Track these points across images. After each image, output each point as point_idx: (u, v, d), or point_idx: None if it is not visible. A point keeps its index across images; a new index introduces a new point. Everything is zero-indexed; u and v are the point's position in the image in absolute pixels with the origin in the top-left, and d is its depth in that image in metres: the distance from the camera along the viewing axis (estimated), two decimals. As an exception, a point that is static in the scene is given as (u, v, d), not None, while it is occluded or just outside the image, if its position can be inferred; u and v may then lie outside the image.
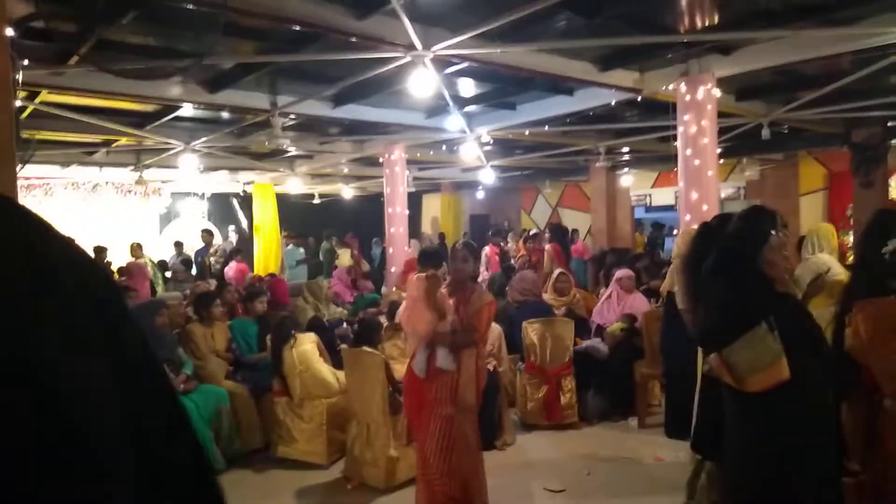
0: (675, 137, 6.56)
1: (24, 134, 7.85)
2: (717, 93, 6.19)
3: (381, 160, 10.37)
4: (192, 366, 5.12)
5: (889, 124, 9.14)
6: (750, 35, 5.53)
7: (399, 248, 9.79)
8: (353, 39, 4.78)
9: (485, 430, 5.06)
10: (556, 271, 6.96)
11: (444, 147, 10.77)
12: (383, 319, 5.90)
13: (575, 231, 13.24)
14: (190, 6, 3.38)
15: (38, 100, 6.63)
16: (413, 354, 3.64)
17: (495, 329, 5.41)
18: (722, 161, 7.49)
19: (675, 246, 6.07)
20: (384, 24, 4.74)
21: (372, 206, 15.08)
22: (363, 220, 15.47)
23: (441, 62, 5.59)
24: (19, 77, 2.63)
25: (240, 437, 5.05)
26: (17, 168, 6.35)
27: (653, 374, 5.53)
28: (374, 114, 8.00)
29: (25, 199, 13.25)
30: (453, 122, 8.03)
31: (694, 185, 6.20)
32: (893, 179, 10.12)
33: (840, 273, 4.97)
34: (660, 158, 11.75)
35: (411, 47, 4.91)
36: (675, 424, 5.09)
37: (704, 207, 6.12)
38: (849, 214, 10.25)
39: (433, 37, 5.01)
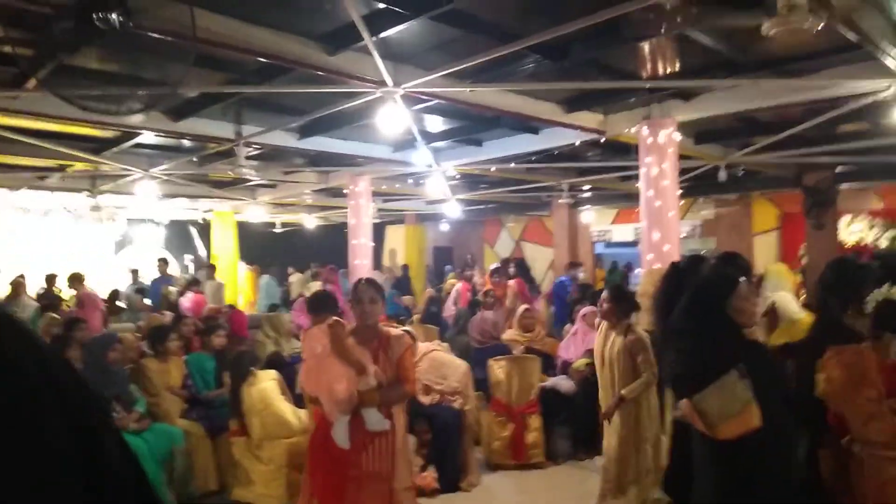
0: (637, 178, 6.72)
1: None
2: (677, 136, 6.38)
3: (345, 191, 10.31)
4: (146, 403, 4.90)
5: (838, 170, 9.57)
6: (709, 83, 5.75)
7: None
8: (323, 74, 4.77)
9: (450, 470, 5.00)
10: (521, 307, 6.98)
11: (409, 180, 10.80)
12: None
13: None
14: (156, 36, 3.30)
15: (-10, 123, 6.39)
16: (318, 421, 3.08)
17: (462, 366, 5.37)
18: (680, 201, 7.69)
19: (640, 285, 6.18)
20: (355, 59, 4.75)
21: (335, 236, 14.95)
22: (326, 250, 15.29)
23: (410, 98, 5.62)
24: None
25: (194, 479, 4.84)
26: None
27: (617, 412, 5.53)
28: (340, 146, 7.98)
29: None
30: (420, 157, 8.07)
31: (656, 225, 6.33)
32: (843, 221, 10.54)
33: (797, 312, 5.13)
34: (620, 196, 12.03)
35: (382, 83, 4.92)
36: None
37: (666, 247, 6.24)
38: (801, 254, 10.60)
39: (404, 74, 5.04)
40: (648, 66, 5.45)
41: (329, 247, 15.21)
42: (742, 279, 2.81)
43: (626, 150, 7.89)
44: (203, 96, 6.07)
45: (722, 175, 8.23)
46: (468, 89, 5.42)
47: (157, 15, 3.00)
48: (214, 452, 5.02)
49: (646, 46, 5.07)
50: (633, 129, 6.58)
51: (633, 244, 13.65)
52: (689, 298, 2.85)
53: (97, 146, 8.08)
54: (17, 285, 7.68)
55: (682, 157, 7.22)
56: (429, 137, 7.88)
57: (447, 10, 4.04)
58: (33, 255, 12.83)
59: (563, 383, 5.88)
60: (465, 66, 4.72)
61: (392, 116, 5.40)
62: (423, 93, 5.29)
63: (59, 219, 13.77)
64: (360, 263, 9.62)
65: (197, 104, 6.33)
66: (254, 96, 6.08)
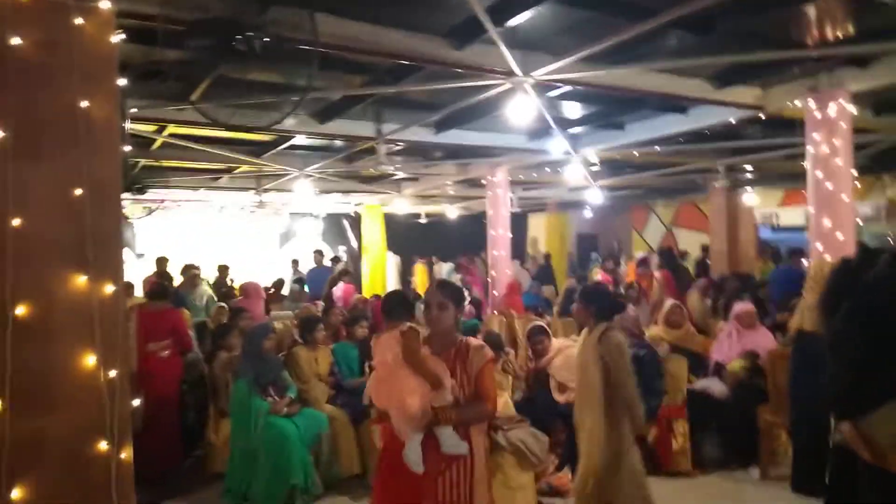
0: (803, 156, 6.00)
1: (157, 162, 8.60)
2: (851, 109, 5.58)
3: (483, 182, 10.35)
4: (297, 389, 5.26)
5: None
6: (889, 46, 4.94)
7: (502, 270, 9.68)
8: (452, 69, 4.78)
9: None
10: (669, 302, 6.52)
11: (548, 168, 10.57)
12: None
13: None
14: (294, 45, 3.48)
15: (165, 132, 7.21)
16: (386, 441, 2.72)
17: (599, 364, 5.15)
18: (855, 178, 6.72)
19: (808, 279, 5.50)
20: (483, 52, 4.69)
21: (477, 225, 15.11)
22: (468, 240, 15.51)
23: (544, 86, 5.47)
24: (127, 125, 2.81)
25: (339, 462, 5.12)
26: (159, 192, 6.89)
27: (778, 421, 5.01)
28: (476, 138, 8.00)
29: (161, 220, 14.53)
30: (557, 145, 7.85)
31: (826, 211, 5.60)
32: None
33: None
34: (787, 176, 10.85)
35: (511, 74, 4.83)
36: (803, 477, 4.57)
37: (839, 236, 5.52)
38: None
39: (534, 62, 4.91)
40: (813, 31, 4.82)
41: (471, 236, 15.39)
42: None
43: (792, 126, 7.06)
44: (345, 98, 6.37)
45: (911, 149, 7.10)
46: (603, 72, 5.15)
47: (287, 25, 3.15)
48: (357, 438, 5.27)
49: (810, 9, 4.48)
50: (798, 103, 5.87)
51: (805, 229, 12.26)
52: (860, 301, 2.45)
53: (258, 149, 8.84)
54: (193, 276, 8.62)
55: (858, 131, 6.32)
56: (566, 124, 7.64)
57: (576, -7, 3.85)
58: (210, 247, 14.38)
59: (715, 386, 5.42)
60: (598, 48, 4.48)
61: (523, 106, 5.28)
62: (554, 79, 5.11)
63: (231, 214, 15.30)
64: (499, 254, 9.61)
65: (340, 106, 6.66)
66: (390, 95, 6.27)
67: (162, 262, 9.58)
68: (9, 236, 2.26)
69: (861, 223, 12.34)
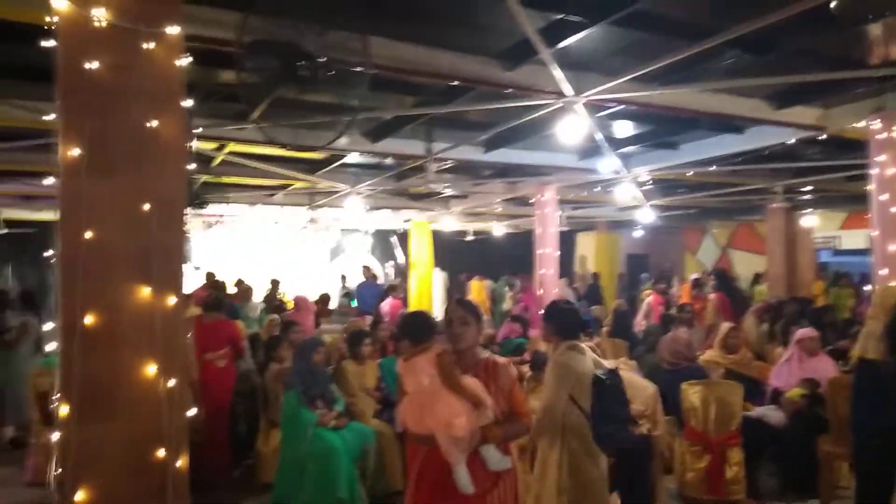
0: (867, 178, 5.78)
1: (215, 178, 8.92)
2: (920, 129, 5.36)
3: (532, 201, 10.32)
4: (344, 402, 5.32)
5: None
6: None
7: (549, 289, 9.59)
8: (503, 89, 4.82)
9: (636, 498, 4.71)
10: (725, 325, 6.34)
11: (597, 187, 10.47)
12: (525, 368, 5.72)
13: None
14: (349, 68, 3.58)
15: (225, 150, 7.48)
16: (423, 466, 2.64)
17: (650, 388, 5.04)
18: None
19: (872, 305, 5.26)
20: (534, 72, 4.72)
21: (523, 243, 15.05)
22: (514, 257, 15.45)
23: (595, 106, 5.45)
24: (193, 144, 2.94)
25: (385, 477, 5.14)
26: (217, 207, 7.12)
27: (839, 452, 4.78)
28: (525, 157, 8.01)
29: (217, 234, 15.02)
30: (607, 164, 7.77)
31: (892, 235, 5.37)
32: None
33: None
34: (849, 198, 10.44)
35: (561, 94, 4.83)
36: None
37: (906, 261, 5.27)
38: None
39: (586, 82, 4.90)
40: (880, 50, 4.66)
41: (517, 254, 15.33)
42: None
43: (854, 147, 6.82)
44: (396, 118, 6.49)
45: None
46: (657, 92, 5.09)
47: (343, 48, 3.26)
48: (402, 453, 5.28)
49: (875, 28, 4.34)
50: (862, 124, 5.67)
51: (868, 252, 11.76)
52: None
53: (311, 167, 9.07)
54: (246, 290, 8.88)
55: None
56: (617, 143, 7.57)
57: (629, 14, 3.83)
58: (263, 261, 14.76)
59: (772, 414, 5.22)
60: (650, 69, 4.44)
61: (573, 125, 5.27)
62: (605, 99, 5.08)
63: (285, 230, 15.68)
64: (546, 273, 9.54)
65: (392, 126, 6.78)
66: (441, 115, 6.35)
67: (210, 276, 9.88)
68: (81, 249, 2.39)
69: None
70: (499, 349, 7.57)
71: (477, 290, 14.32)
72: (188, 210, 6.64)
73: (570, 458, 3.46)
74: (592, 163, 8.28)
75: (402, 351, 3.05)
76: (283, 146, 3.38)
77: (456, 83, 4.84)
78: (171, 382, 2.47)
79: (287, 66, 2.79)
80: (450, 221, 14.17)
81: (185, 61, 2.75)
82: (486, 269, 14.94)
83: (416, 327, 2.88)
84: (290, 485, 4.81)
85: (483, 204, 12.52)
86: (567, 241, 16.33)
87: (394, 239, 17.60)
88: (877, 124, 5.48)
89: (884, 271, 5.41)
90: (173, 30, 2.67)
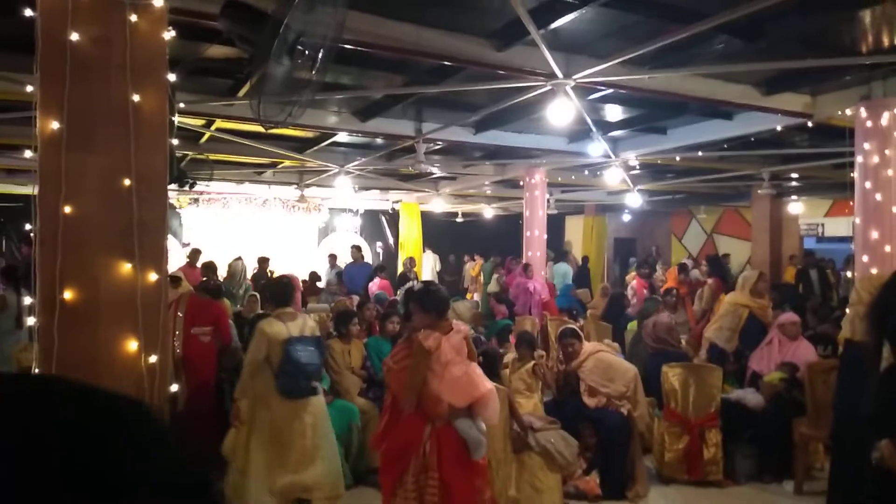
0: (852, 165, 5.83)
1: (203, 155, 8.84)
2: (906, 118, 5.40)
3: (521, 183, 10.32)
4: (329, 381, 5.35)
5: None
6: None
7: (537, 272, 9.63)
8: (494, 70, 4.79)
9: (615, 477, 4.80)
10: (754, 272, 6.44)
11: (586, 171, 10.49)
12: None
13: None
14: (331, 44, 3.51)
15: (213, 127, 7.40)
16: (440, 443, 3.04)
17: (630, 369, 5.10)
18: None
19: (855, 292, 5.34)
20: (525, 54, 4.69)
21: (513, 226, 15.07)
22: (504, 239, 15.49)
23: (585, 88, 5.44)
24: (176, 119, 2.90)
25: (368, 455, 5.18)
26: (205, 185, 7.10)
27: (815, 435, 4.88)
28: (515, 139, 7.99)
29: (206, 212, 14.91)
30: (596, 148, 7.78)
31: (874, 223, 5.43)
32: None
33: None
34: (835, 185, 10.52)
35: (552, 76, 4.81)
36: (840, 494, 4.44)
37: (887, 248, 5.34)
38: None
39: (576, 64, 4.88)
40: (867, 37, 4.67)
41: (507, 236, 15.37)
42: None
43: (841, 135, 6.86)
44: (386, 97, 6.44)
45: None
46: (646, 76, 5.09)
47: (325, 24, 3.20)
48: (387, 432, 5.33)
49: (865, 15, 4.35)
50: (849, 111, 5.70)
51: (851, 239, 11.86)
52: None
53: (300, 145, 9.01)
54: (233, 267, 8.84)
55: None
56: (607, 127, 7.57)
57: (620, -5, 3.82)
58: (252, 239, 14.69)
59: (751, 397, 5.31)
60: (641, 52, 4.43)
61: (563, 108, 5.26)
62: (595, 82, 5.07)
63: (274, 208, 15.59)
64: (534, 255, 9.58)
65: (381, 105, 6.74)
66: (431, 95, 6.31)
67: (196, 253, 9.76)
68: (60, 223, 2.38)
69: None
70: (484, 330, 7.64)
71: (477, 268, 14.48)
72: (175, 186, 6.58)
73: None
74: (582, 146, 8.29)
75: (417, 324, 3.17)
76: (264, 125, 3.31)
77: (446, 63, 4.81)
78: (153, 358, 2.47)
79: (270, 38, 2.75)
80: (439, 203, 14.15)
81: (169, 34, 2.71)
82: (476, 250, 14.97)
83: (440, 301, 3.20)
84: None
85: (472, 186, 12.50)
86: (556, 225, 16.37)
87: (383, 219, 17.56)
88: (863, 112, 5.51)
89: (865, 258, 5.48)
90: (158, 1, 2.63)
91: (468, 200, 15.50)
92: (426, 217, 15.25)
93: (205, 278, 6.84)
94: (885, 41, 4.68)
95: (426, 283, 4.60)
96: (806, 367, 5.21)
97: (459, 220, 17.57)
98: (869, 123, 5.47)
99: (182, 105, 4.79)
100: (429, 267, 15.15)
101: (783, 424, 5.06)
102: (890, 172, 5.40)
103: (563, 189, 13.09)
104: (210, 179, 6.59)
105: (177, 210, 14.70)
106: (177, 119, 2.93)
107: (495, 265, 12.24)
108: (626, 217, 16.37)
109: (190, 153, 8.95)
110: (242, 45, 3.14)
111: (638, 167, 9.40)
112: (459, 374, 2.99)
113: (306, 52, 2.86)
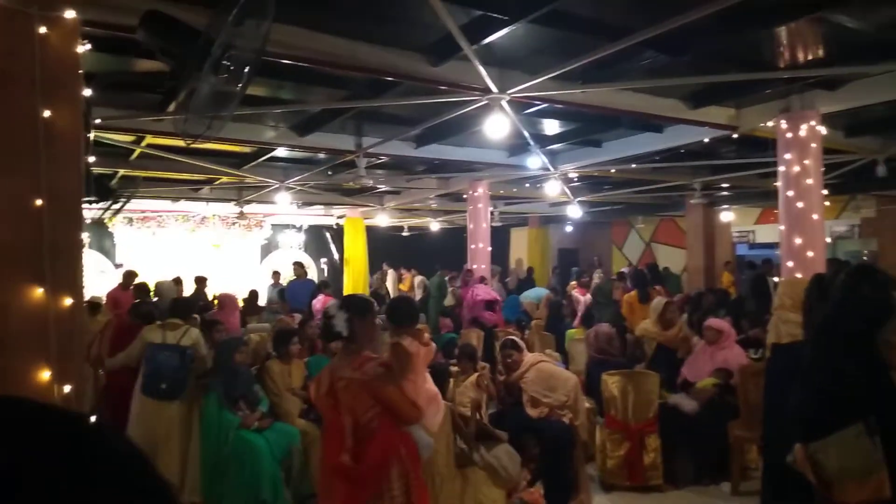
0: (776, 175, 6.11)
1: (134, 173, 8.54)
2: (822, 130, 5.70)
3: (464, 196, 10.39)
4: (268, 403, 5.20)
5: None
6: (859, 69, 5.06)
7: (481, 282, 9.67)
8: (430, 85, 4.81)
9: (559, 486, 4.82)
10: (661, 301, 6.44)
11: (527, 184, 10.66)
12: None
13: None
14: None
15: (144, 143, 7.16)
16: (410, 451, 3.06)
17: (571, 378, 5.16)
18: (826, 197, 6.84)
19: (778, 296, 5.57)
20: (460, 68, 4.73)
21: (458, 239, 15.14)
22: (450, 253, 15.53)
23: (521, 103, 5.52)
24: (92, 135, 2.78)
25: (309, 478, 5.05)
26: (119, 205, 6.85)
27: (749, 436, 5.04)
28: (456, 153, 8.05)
29: (141, 231, 14.39)
30: (535, 161, 7.92)
31: (797, 230, 5.70)
32: None
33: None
34: (763, 194, 11.03)
35: (487, 91, 4.86)
36: (773, 493, 4.59)
37: (809, 254, 5.60)
38: None
39: (510, 79, 4.95)
40: (785, 53, 4.92)
41: (453, 249, 15.41)
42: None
43: (765, 146, 7.20)
44: (325, 112, 6.38)
45: (880, 170, 7.27)
46: (579, 91, 5.21)
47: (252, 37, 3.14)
48: (330, 453, 5.21)
49: (782, 32, 4.58)
50: (771, 123, 5.98)
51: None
52: (825, 323, 2.46)
53: (239, 161, 8.81)
54: (160, 287, 8.46)
55: (831, 151, 6.45)
56: (545, 140, 7.71)
57: (548, 12, 3.89)
58: (191, 258, 14.26)
59: (686, 402, 5.44)
60: (572, 67, 4.53)
61: (500, 122, 5.32)
62: (529, 97, 5.16)
63: (213, 226, 15.18)
64: (478, 268, 9.62)
65: (320, 120, 6.66)
66: (371, 109, 6.29)
67: (130, 275, 9.34)
68: (-36, 246, 2.23)
69: (834, 241, 12.59)
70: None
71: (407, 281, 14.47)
72: (103, 205, 6.28)
73: None
74: (521, 159, 8.41)
75: (392, 335, 3.34)
76: (185, 139, 3.19)
77: (379, 77, 4.80)
78: (67, 388, 2.33)
79: (197, 53, 2.67)
80: (384, 217, 14.09)
81: (83, 48, 2.60)
82: (423, 264, 14.94)
83: (414, 312, 3.41)
84: (213, 489, 4.68)
85: (417, 199, 12.51)
86: (502, 237, 16.54)
87: (328, 235, 17.35)
88: (783, 124, 5.79)
89: (790, 263, 5.73)
90: (70, 14, 2.52)
91: (414, 214, 15.49)
92: (372, 231, 15.15)
93: (137, 300, 6.55)
94: (801, 57, 4.94)
95: (400, 298, 4.82)
96: (738, 370, 5.39)
97: (406, 233, 17.53)
98: (789, 135, 5.74)
99: (99, 120, 4.60)
100: (391, 283, 15.02)
101: (719, 428, 5.21)
102: (810, 181, 5.68)
103: (507, 201, 13.25)
104: (132, 197, 6.33)
105: (108, 230, 14.14)
106: (93, 135, 2.79)
107: (444, 278, 12.22)
108: (569, 228, 16.71)
109: (121, 171, 8.62)
110: (164, 59, 3.04)
111: (577, 179, 9.61)
112: (422, 380, 3.20)
113: (232, 66, 2.79)
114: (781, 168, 5.87)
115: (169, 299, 7.56)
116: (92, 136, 2.83)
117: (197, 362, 5.01)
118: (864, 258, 11.93)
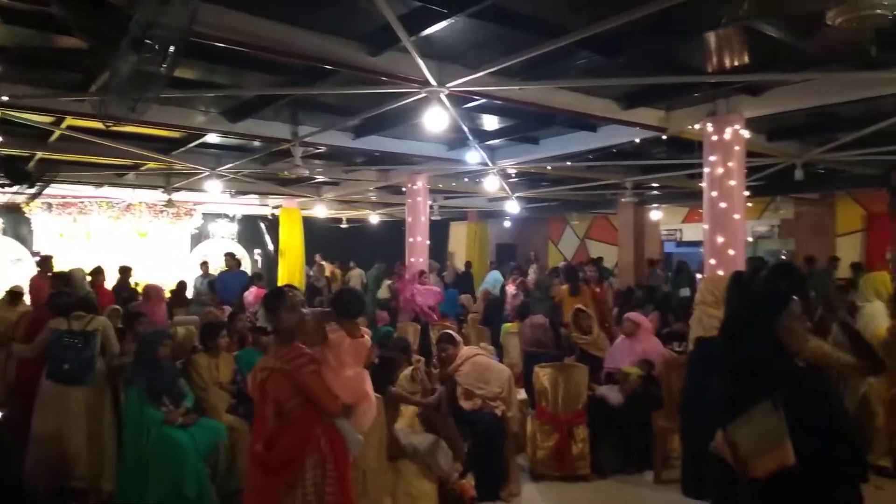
0: (701, 176, 6.36)
1: (54, 156, 8.07)
2: (745, 134, 5.97)
3: (404, 189, 10.34)
4: (193, 397, 5.03)
5: (932, 168, 8.75)
6: (780, 77, 5.33)
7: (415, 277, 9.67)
8: (367, 74, 4.75)
9: (490, 477, 4.89)
10: (573, 309, 6.70)
11: (466, 178, 10.72)
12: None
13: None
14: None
15: (64, 125, 6.76)
16: (332, 440, 3.13)
17: (504, 371, 5.23)
18: (749, 198, 7.20)
19: (699, 292, 5.82)
20: (398, 60, 4.69)
21: (398, 232, 15.08)
22: (390, 246, 15.45)
23: (460, 97, 5.53)
24: None
25: (236, 474, 4.92)
26: (36, 189, 6.45)
27: (671, 426, 5.25)
28: (395, 145, 7.99)
29: (61, 218, 13.63)
30: (473, 156, 7.96)
31: (720, 229, 5.95)
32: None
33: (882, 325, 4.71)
34: (689, 194, 11.50)
35: (426, 83, 4.84)
36: (693, 482, 4.80)
37: (731, 252, 5.87)
38: (888, 257, 9.78)
39: (449, 73, 4.95)
40: (713, 58, 5.10)
41: (392, 242, 15.34)
42: (794, 297, 2.53)
43: (692, 148, 7.49)
44: (258, 98, 6.19)
45: (798, 174, 7.68)
46: (517, 87, 5.26)
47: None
48: (259, 448, 5.09)
49: (710, 38, 4.75)
50: (697, 126, 6.22)
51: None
52: (734, 315, 2.61)
53: (167, 146, 8.45)
54: (70, 275, 8.01)
55: (753, 154, 6.77)
56: (483, 136, 7.76)
57: (487, 7, 3.91)
58: (117, 247, 13.62)
59: (612, 394, 5.61)
60: (509, 63, 4.57)
61: (438, 115, 5.32)
62: (468, 91, 5.17)
63: (139, 214, 14.54)
64: (417, 261, 9.61)
65: (253, 106, 6.47)
66: (307, 97, 6.15)
67: (47, 261, 8.81)
68: None
69: (755, 241, 13.28)
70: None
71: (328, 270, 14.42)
72: (18, 189, 5.91)
73: None
74: (461, 154, 8.43)
75: (339, 326, 3.38)
76: (104, 122, 3.03)
77: (316, 64, 4.70)
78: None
79: (116, 29, 2.53)
80: (322, 208, 13.86)
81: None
82: (362, 256, 14.77)
83: (353, 305, 3.47)
84: (135, 487, 4.48)
85: (356, 191, 12.36)
86: (440, 231, 16.58)
87: (262, 225, 16.93)
88: (709, 127, 6.03)
89: (712, 261, 5.98)
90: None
91: (353, 206, 15.31)
92: (309, 223, 14.86)
93: (53, 291, 6.19)
94: (728, 62, 5.15)
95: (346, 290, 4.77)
96: (662, 362, 5.61)
97: (344, 225, 17.32)
98: (714, 137, 5.99)
99: (6, 98, 4.31)
100: (357, 282, 14.73)
101: (643, 419, 5.40)
102: (733, 182, 5.94)
103: (447, 195, 13.28)
104: (52, 182, 6.00)
105: (25, 216, 13.34)
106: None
107: (382, 271, 12.13)
108: (507, 223, 16.93)
109: (38, 153, 8.13)
110: (82, 35, 2.86)
111: (515, 175, 9.73)
112: (352, 374, 3.23)
113: (156, 45, 2.65)
114: (706, 169, 6.12)
115: (82, 289, 7.22)
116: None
117: (105, 344, 5.06)
118: (783, 257, 12.65)
